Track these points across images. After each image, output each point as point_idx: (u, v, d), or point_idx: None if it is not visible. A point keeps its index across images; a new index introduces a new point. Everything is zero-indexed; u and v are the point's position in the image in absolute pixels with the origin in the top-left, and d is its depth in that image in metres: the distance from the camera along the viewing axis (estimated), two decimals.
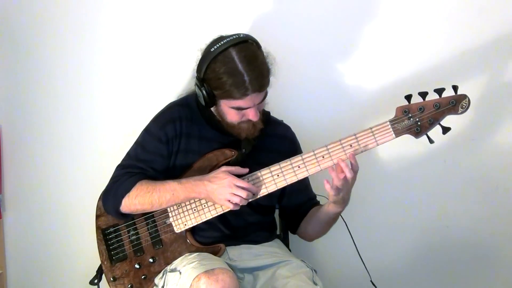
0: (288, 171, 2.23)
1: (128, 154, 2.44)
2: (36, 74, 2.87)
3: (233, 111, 2.21)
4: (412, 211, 2.95)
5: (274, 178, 2.24)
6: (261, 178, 2.25)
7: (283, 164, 2.24)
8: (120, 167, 2.42)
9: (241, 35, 2.18)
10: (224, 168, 2.25)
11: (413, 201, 2.94)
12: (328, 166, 2.19)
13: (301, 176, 2.24)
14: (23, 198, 2.99)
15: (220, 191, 2.20)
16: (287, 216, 2.59)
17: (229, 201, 2.20)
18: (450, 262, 2.99)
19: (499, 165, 2.86)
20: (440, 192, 2.92)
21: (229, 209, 2.27)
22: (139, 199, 2.30)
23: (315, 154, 2.21)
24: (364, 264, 2.56)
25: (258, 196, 2.27)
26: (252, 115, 2.21)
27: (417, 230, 2.98)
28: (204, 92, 2.21)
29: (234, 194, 2.19)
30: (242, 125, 2.28)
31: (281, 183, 2.25)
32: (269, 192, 2.26)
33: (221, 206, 2.28)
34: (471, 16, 2.72)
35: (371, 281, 2.58)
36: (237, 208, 2.24)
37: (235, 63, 2.10)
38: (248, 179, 2.26)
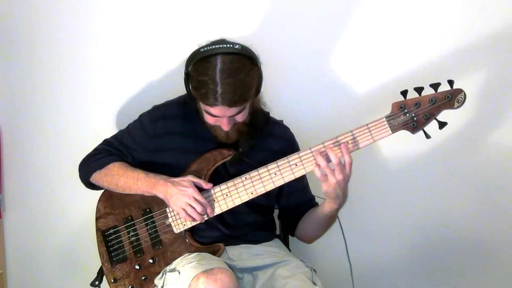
0: (286, 169, 2.24)
1: (116, 134, 2.53)
2: (36, 74, 2.87)
3: (206, 113, 2.23)
4: (411, 211, 2.96)
5: (272, 176, 2.25)
6: (258, 177, 2.26)
7: (280, 162, 2.24)
8: (104, 142, 2.53)
9: (238, 47, 2.15)
10: (190, 177, 2.28)
11: (412, 201, 2.95)
12: (317, 153, 2.18)
13: (298, 174, 2.24)
14: (23, 198, 3.00)
15: (178, 197, 2.25)
16: (285, 216, 2.59)
17: (183, 210, 2.25)
18: (450, 262, 3.01)
19: (499, 165, 2.87)
20: (439, 192, 2.93)
21: (227, 208, 2.30)
22: (108, 178, 2.41)
23: (312, 152, 2.21)
24: (350, 264, 2.55)
25: (257, 195, 2.28)
26: (223, 124, 2.22)
27: (416, 230, 2.99)
28: (188, 86, 2.24)
29: (190, 205, 2.23)
30: (216, 129, 2.30)
31: (279, 181, 2.25)
32: (267, 190, 2.27)
33: (220, 206, 2.30)
34: (469, 13, 2.71)
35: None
36: (189, 220, 2.29)
37: (215, 71, 2.09)
38: (245, 177, 2.27)
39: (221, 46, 2.14)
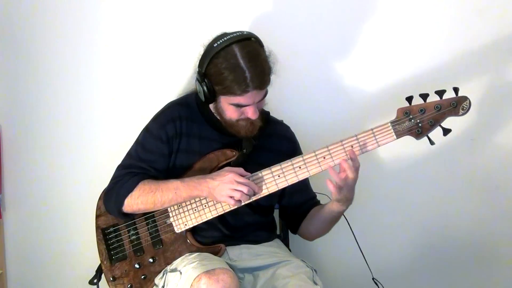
0: (289, 171, 2.23)
1: (129, 153, 2.44)
2: (36, 74, 2.87)
3: (232, 107, 2.22)
4: (412, 211, 2.96)
5: (275, 178, 2.24)
6: (262, 179, 2.25)
7: (284, 164, 2.24)
8: (121, 167, 2.43)
9: (245, 33, 2.19)
10: (227, 168, 2.26)
11: (413, 201, 2.94)
12: (329, 167, 2.18)
13: (302, 177, 2.23)
14: (23, 198, 2.99)
15: (221, 187, 2.20)
16: (287, 216, 2.59)
17: (231, 197, 2.20)
18: (450, 262, 3.00)
19: (499, 165, 2.87)
20: (440, 192, 2.92)
21: (229, 209, 2.28)
22: (142, 198, 2.31)
23: (316, 155, 2.21)
24: (365, 260, 2.57)
25: (259, 196, 2.26)
26: (251, 113, 2.21)
27: (417, 230, 2.99)
28: (204, 87, 2.22)
29: (235, 189, 2.19)
30: (240, 123, 2.28)
31: (282, 184, 2.24)
32: (270, 192, 2.26)
33: (222, 206, 2.29)
34: (471, 17, 2.72)
35: (373, 278, 2.56)
36: (238, 205, 2.24)
37: (237, 59, 2.11)
38: (249, 179, 2.25)
39: (230, 36, 2.16)
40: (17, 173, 2.98)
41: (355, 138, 2.18)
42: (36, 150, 2.95)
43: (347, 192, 2.19)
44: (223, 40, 2.16)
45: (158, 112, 2.45)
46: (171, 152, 2.38)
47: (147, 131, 2.42)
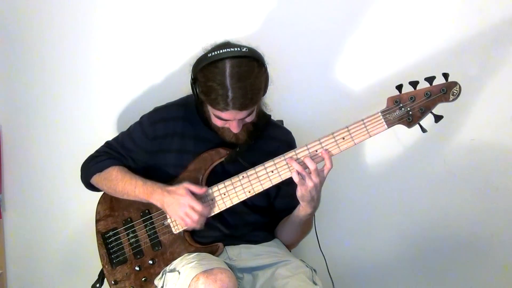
0: (283, 166, 2.24)
1: (118, 136, 2.53)
2: (36, 74, 2.86)
3: (215, 117, 2.22)
4: (411, 211, 2.97)
5: (269, 174, 2.25)
6: (256, 175, 2.26)
7: (277, 160, 2.24)
8: (106, 144, 2.54)
9: (245, 49, 2.14)
10: (185, 184, 2.27)
11: (412, 201, 2.95)
12: (290, 159, 2.21)
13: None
14: (23, 198, 3.00)
15: (175, 207, 2.25)
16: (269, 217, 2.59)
17: (181, 218, 2.26)
18: (450, 262, 3.02)
19: (499, 165, 2.87)
20: (439, 192, 2.93)
21: (225, 207, 2.31)
22: (106, 182, 2.42)
23: (308, 149, 2.21)
24: (325, 259, 2.59)
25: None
26: (233, 127, 2.21)
27: (416, 230, 3.00)
28: (195, 90, 2.23)
29: (187, 214, 2.24)
30: (224, 131, 2.29)
31: (276, 179, 2.25)
32: (264, 188, 2.27)
33: (218, 206, 2.31)
34: (469, 12, 2.70)
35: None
36: (189, 227, 2.29)
37: (225, 76, 2.08)
38: (242, 176, 2.27)
39: (228, 50, 2.12)
40: (17, 173, 2.98)
41: (346, 129, 2.18)
42: (36, 150, 2.95)
43: (314, 192, 2.21)
44: (220, 51, 2.12)
45: (156, 108, 2.49)
46: (156, 151, 2.41)
47: (140, 123, 2.47)
